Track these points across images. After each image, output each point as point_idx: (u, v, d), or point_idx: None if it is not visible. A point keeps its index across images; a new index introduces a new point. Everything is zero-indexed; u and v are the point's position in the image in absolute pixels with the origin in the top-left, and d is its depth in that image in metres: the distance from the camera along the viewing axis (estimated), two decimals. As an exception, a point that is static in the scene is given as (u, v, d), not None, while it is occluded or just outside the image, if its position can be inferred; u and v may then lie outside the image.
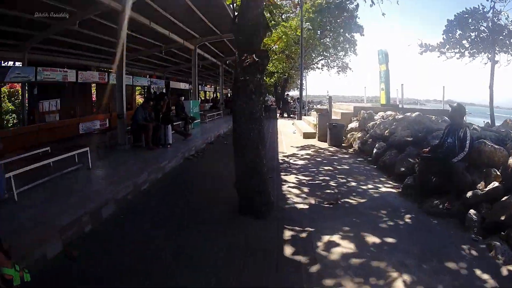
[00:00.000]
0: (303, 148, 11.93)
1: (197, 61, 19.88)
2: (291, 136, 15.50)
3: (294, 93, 52.77)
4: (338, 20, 26.56)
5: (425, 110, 14.09)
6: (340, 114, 14.33)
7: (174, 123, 12.86)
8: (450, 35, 12.01)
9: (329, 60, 33.94)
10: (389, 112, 12.54)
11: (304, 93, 25.47)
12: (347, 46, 29.90)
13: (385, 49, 14.88)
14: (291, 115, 29.54)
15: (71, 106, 17.17)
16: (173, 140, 11.50)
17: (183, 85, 34.14)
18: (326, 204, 5.85)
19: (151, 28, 13.93)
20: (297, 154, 10.67)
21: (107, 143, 11.36)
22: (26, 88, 15.62)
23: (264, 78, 24.43)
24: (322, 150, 11.36)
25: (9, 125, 19.95)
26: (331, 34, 28.36)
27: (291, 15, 30.23)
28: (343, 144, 12.59)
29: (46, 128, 13.66)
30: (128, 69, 23.78)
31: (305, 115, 23.89)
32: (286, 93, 38.39)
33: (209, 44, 20.36)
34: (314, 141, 13.73)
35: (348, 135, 12.94)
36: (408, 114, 11.12)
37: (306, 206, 5.80)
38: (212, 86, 52.02)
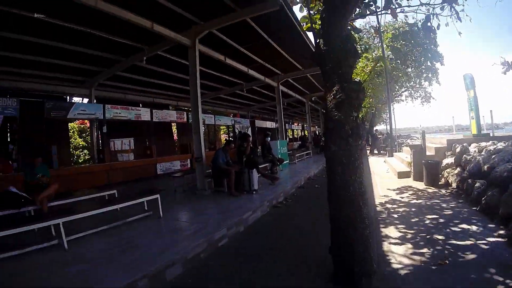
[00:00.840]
0: (400, 190, 10.96)
1: (281, 99, 19.48)
2: (385, 176, 14.45)
3: (380, 127, 51.36)
4: (419, 49, 25.77)
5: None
6: (434, 149, 13.26)
7: (261, 166, 12.49)
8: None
9: (412, 91, 32.91)
10: (483, 144, 11.38)
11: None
12: (430, 75, 28.77)
13: (471, 73, 14.09)
14: (382, 152, 28.56)
15: (147, 146, 17.20)
16: (259, 185, 10.79)
17: (269, 124, 33.96)
18: (433, 266, 4.95)
19: (227, 64, 13.99)
20: (395, 199, 9.73)
21: (185, 187, 11.29)
22: (95, 125, 15.77)
23: None
24: (420, 193, 10.35)
25: (80, 161, 20.97)
26: (412, 64, 27.30)
27: (371, 46, 29.32)
28: (439, 183, 11.53)
29: (118, 167, 14.01)
30: (210, 107, 27.71)
31: (396, 151, 23.15)
32: (375, 129, 37.18)
33: (292, 81, 20.48)
34: (410, 181, 12.70)
35: (445, 172, 11.85)
36: (503, 144, 10.20)
37: (411, 270, 4.86)
38: (300, 124, 51.48)
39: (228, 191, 10.16)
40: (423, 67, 27.44)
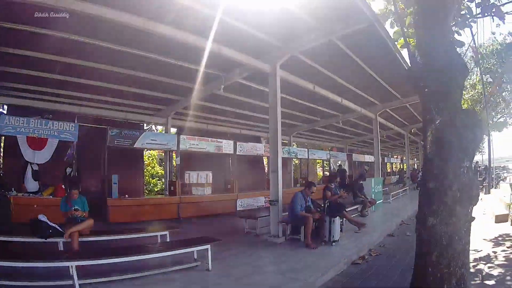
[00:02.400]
0: (496, 241, 9.45)
1: (378, 131, 18.85)
2: (481, 220, 12.62)
3: (476, 159, 48.42)
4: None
5: None
6: None
7: (349, 209, 11.52)
8: None
9: (507, 117, 29.61)
10: None
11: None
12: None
13: None
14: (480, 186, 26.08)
15: (228, 180, 16.37)
16: (344, 232, 9.85)
17: (368, 158, 32.29)
18: None
19: (316, 93, 13.08)
20: (491, 255, 8.23)
21: (257, 230, 10.27)
22: (169, 156, 15.66)
23: None
24: None
25: (156, 190, 20.79)
26: (508, 87, 25.33)
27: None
28: None
29: (189, 201, 13.42)
30: (305, 140, 27.81)
31: (492, 186, 20.87)
32: (476, 161, 34.70)
33: (390, 111, 19.44)
34: (508, 226, 11.12)
35: None
36: None
37: None
38: (399, 157, 49.43)
39: (304, 240, 8.91)
40: None
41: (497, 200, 15.29)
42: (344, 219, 10.49)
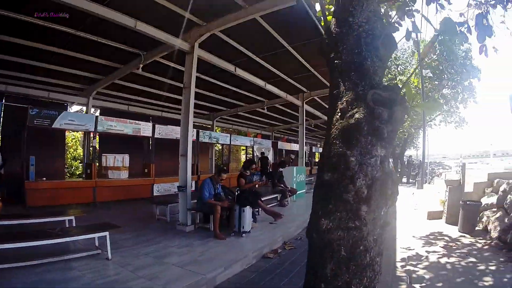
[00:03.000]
0: (428, 239, 8.90)
1: (304, 119, 18.10)
2: (412, 215, 12.35)
3: (410, 153, 49.69)
4: (454, 67, 23.78)
5: None
6: (473, 185, 11.13)
7: (267, 198, 11.29)
8: None
9: (446, 115, 30.33)
10: None
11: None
12: (466, 96, 26.56)
13: None
14: (411, 180, 26.36)
15: (146, 164, 15.81)
16: (259, 222, 9.62)
17: (295, 146, 31.30)
18: None
19: (238, 75, 12.38)
20: (421, 254, 7.65)
21: (167, 218, 9.86)
22: (88, 138, 14.89)
23: None
24: (453, 245, 8.32)
25: (78, 172, 20.23)
26: (449, 83, 25.20)
27: (408, 66, 27.92)
28: (476, 228, 9.60)
29: (105, 185, 13.31)
30: (229, 126, 27.40)
31: (426, 181, 20.79)
32: (410, 155, 35.28)
33: (319, 100, 18.79)
34: (441, 224, 10.66)
35: (484, 214, 9.85)
36: None
37: None
38: None
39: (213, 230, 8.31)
40: (459, 87, 25.42)
41: (430, 196, 14.96)
42: (260, 209, 10.23)
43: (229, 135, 22.71)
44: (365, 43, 2.76)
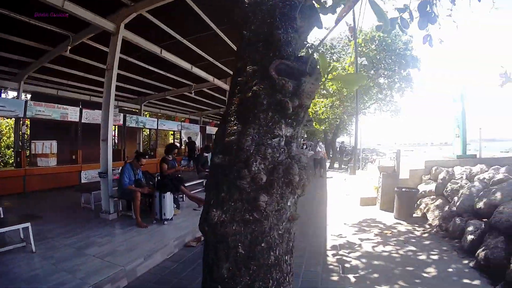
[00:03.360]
0: (361, 227, 8.53)
1: None
2: (344, 202, 11.96)
3: (342, 139, 50.31)
4: (393, 57, 23.72)
5: (504, 158, 10.80)
6: (409, 172, 10.95)
7: (190, 184, 10.82)
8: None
9: (381, 104, 30.33)
10: (475, 169, 9.41)
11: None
12: (403, 85, 26.26)
13: (462, 84, 11.77)
14: (343, 165, 26.35)
15: (73, 150, 15.37)
16: (183, 209, 9.37)
17: None
18: None
19: (164, 59, 12.06)
20: (354, 242, 7.27)
21: (92, 206, 9.48)
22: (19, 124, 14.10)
23: (314, 124, 21.34)
24: (389, 232, 7.96)
25: (11, 161, 19.31)
26: (385, 73, 25.02)
27: (343, 56, 27.64)
28: (414, 215, 9.35)
29: (35, 173, 12.94)
30: (156, 110, 26.26)
31: (359, 167, 20.66)
32: (342, 141, 35.58)
33: None
34: (375, 210, 10.36)
35: (421, 201, 9.68)
36: (504, 172, 8.31)
37: None
38: None
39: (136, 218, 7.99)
40: (396, 76, 25.21)
41: (363, 182, 14.78)
42: (184, 195, 9.99)
43: (156, 119, 22.41)
44: (280, 13, 2.32)
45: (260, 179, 1.89)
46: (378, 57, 23.45)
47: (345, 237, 7.66)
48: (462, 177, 9.15)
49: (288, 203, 2.03)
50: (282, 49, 2.16)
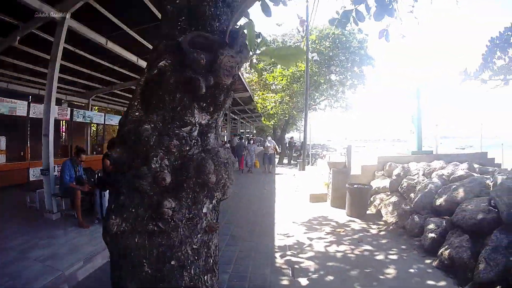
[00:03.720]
0: (311, 225, 8.10)
1: None
2: (293, 198, 11.53)
3: (292, 135, 50.21)
4: (347, 54, 23.82)
5: (461, 155, 11.11)
6: (361, 168, 10.68)
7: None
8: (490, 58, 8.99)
9: (332, 100, 30.30)
10: (434, 165, 9.22)
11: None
12: (355, 82, 26.43)
13: (419, 81, 11.68)
14: (293, 161, 26.03)
15: (21, 146, 15.05)
16: None
17: None
18: None
19: (109, 49, 11.20)
20: (304, 242, 6.84)
21: (36, 205, 8.90)
22: None
23: (262, 120, 20.97)
24: (342, 229, 7.60)
25: None
26: (338, 70, 25.27)
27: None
28: (368, 212, 9.00)
29: None
30: (104, 105, 25.29)
31: (308, 163, 20.29)
32: (291, 136, 35.01)
33: None
34: (326, 207, 9.95)
35: (375, 198, 9.44)
36: (465, 168, 8.19)
37: None
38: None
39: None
40: (348, 73, 25.30)
41: (313, 178, 14.39)
42: None
43: (103, 114, 22.00)
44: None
45: (163, 179, 1.49)
46: (331, 54, 23.37)
47: (295, 236, 7.24)
48: (418, 173, 8.96)
49: (204, 210, 1.62)
50: (208, 23, 1.76)
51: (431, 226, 6.15)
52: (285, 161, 26.88)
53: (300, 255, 6.05)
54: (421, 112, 11.42)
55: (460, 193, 6.41)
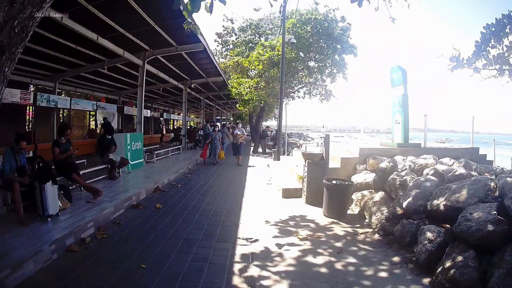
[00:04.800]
0: (283, 226, 6.82)
1: (144, 80, 15.63)
2: (265, 192, 10.29)
3: (270, 123, 49.15)
4: (328, 41, 22.73)
5: (449, 149, 10.54)
6: (340, 160, 9.48)
7: (91, 170, 9.95)
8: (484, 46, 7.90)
9: (311, 88, 29.43)
10: (424, 159, 8.17)
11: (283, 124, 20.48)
12: (334, 71, 25.22)
13: (403, 66, 10.44)
14: (267, 150, 24.79)
15: None
16: (77, 200, 7.68)
17: (145, 112, 29.70)
18: None
19: (67, 27, 10.28)
20: (272, 250, 5.56)
21: None
22: None
23: (237, 106, 19.85)
24: (322, 235, 6.29)
25: None
26: (317, 57, 23.97)
27: (271, 37, 27.27)
28: (349, 212, 7.80)
29: None
30: (72, 89, 24.11)
31: (284, 153, 19.07)
32: (265, 125, 33.80)
33: (164, 60, 16.92)
34: (300, 205, 8.70)
35: (358, 195, 8.17)
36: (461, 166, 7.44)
37: None
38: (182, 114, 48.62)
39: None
40: (328, 61, 23.97)
41: (287, 170, 13.16)
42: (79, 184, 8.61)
43: (69, 98, 20.66)
44: None
45: None
46: (311, 40, 22.33)
47: (262, 241, 5.95)
48: (406, 168, 7.82)
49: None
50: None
51: (428, 235, 4.93)
52: (261, 150, 25.59)
53: (266, 269, 4.77)
54: (408, 100, 10.35)
55: (462, 196, 5.20)
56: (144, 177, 11.69)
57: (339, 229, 6.68)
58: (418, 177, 6.89)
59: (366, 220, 7.15)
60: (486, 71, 7.83)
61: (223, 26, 31.48)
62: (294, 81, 26.70)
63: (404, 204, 6.15)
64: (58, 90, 20.93)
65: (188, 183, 11.66)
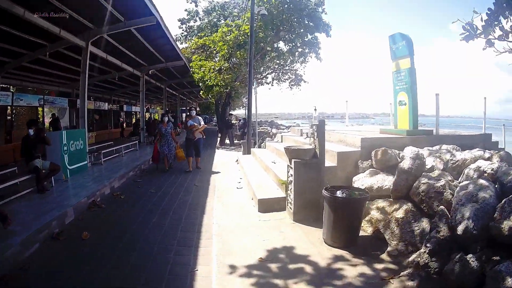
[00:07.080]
0: (262, 280, 4.06)
1: (87, 64, 13.31)
2: (235, 203, 7.58)
3: (239, 112, 47.50)
4: (300, 19, 20.38)
5: (463, 136, 8.86)
6: (336, 156, 7.05)
7: (13, 182, 8.13)
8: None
9: (280, 73, 27.82)
10: (465, 154, 5.93)
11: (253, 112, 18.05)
12: (306, 50, 23.29)
13: (405, 33, 8.40)
14: (236, 141, 22.57)
15: None
16: None
17: (103, 105, 29.06)
18: None
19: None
20: None
21: None
22: None
23: (201, 94, 17.58)
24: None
25: None
26: (287, 36, 22.01)
27: (237, 18, 25.21)
28: (361, 234, 5.27)
29: None
30: (13, 82, 21.68)
31: (255, 144, 16.72)
32: (229, 113, 31.86)
33: (113, 41, 14.85)
34: (286, 224, 6.02)
35: (371, 208, 5.63)
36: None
37: None
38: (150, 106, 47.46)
39: None
40: (299, 39, 21.98)
41: (261, 167, 10.60)
42: None
43: (10, 93, 18.66)
44: None
45: None
46: (281, 18, 20.14)
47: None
48: (438, 167, 5.55)
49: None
50: None
51: (509, 283, 2.83)
52: (228, 141, 23.14)
53: None
54: (415, 75, 8.12)
55: None
56: (82, 186, 9.06)
57: (353, 271, 4.15)
58: (465, 182, 4.47)
59: (389, 249, 4.70)
60: (503, 43, 5.66)
61: (186, 10, 29.74)
62: (263, 66, 24.95)
63: (460, 229, 3.71)
64: (2, 86, 19.19)
65: (136, 191, 9.18)
